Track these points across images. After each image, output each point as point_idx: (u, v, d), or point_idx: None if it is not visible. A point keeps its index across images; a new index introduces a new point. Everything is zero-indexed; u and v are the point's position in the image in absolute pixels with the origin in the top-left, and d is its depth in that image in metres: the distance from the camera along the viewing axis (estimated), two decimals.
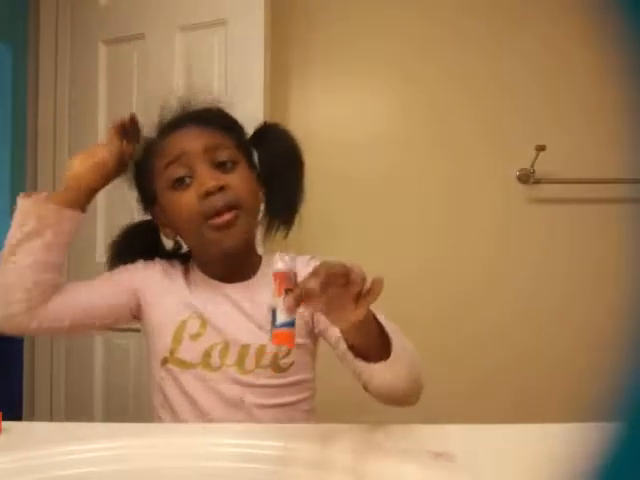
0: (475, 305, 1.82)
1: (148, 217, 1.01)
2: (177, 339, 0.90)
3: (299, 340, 0.89)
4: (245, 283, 0.94)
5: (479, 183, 1.83)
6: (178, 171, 0.89)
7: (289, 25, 1.86)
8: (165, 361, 0.90)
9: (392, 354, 0.69)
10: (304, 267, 0.85)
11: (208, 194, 0.87)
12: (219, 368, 0.88)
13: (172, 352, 0.90)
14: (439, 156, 1.84)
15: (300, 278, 0.64)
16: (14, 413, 1.84)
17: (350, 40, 1.86)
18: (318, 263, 0.63)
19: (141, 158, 0.97)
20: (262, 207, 0.97)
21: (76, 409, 1.89)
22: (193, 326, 0.90)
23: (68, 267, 1.94)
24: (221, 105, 0.98)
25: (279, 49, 1.79)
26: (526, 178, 1.77)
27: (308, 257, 0.93)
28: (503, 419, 0.73)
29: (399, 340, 0.71)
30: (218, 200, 0.87)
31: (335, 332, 0.80)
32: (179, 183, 0.89)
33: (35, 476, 0.60)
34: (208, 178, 0.88)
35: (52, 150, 1.96)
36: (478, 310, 1.81)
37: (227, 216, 0.87)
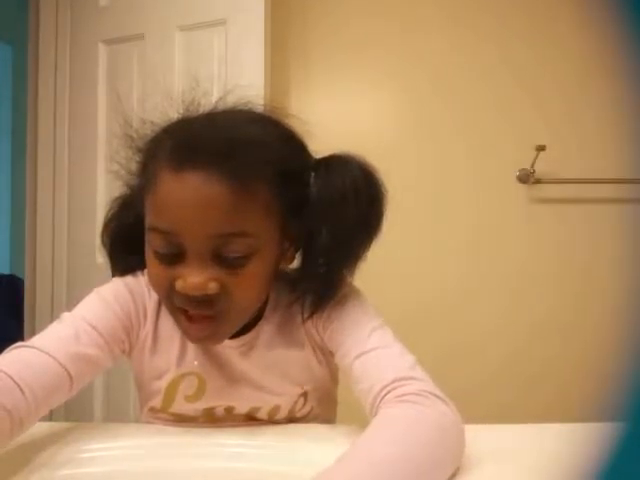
0: (474, 304, 1.82)
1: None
2: (169, 398, 0.76)
3: (316, 385, 0.79)
4: (243, 338, 0.73)
5: (479, 183, 1.83)
6: (162, 246, 0.64)
7: (288, 25, 1.86)
8: (155, 410, 0.78)
9: None
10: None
11: (187, 298, 0.64)
12: (225, 419, 0.77)
13: (163, 407, 0.77)
14: (438, 156, 1.84)
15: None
16: None
17: (350, 39, 1.86)
18: None
19: (146, 150, 0.68)
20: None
21: (76, 409, 1.89)
22: (189, 387, 0.75)
23: (68, 268, 1.96)
24: (259, 112, 0.72)
25: (279, 49, 1.79)
26: (526, 178, 1.77)
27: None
28: (501, 421, 0.73)
29: None
30: (196, 308, 0.65)
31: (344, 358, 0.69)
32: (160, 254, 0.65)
33: (36, 476, 0.60)
34: (196, 280, 0.62)
35: (52, 150, 1.96)
36: (477, 310, 1.81)
37: (204, 321, 0.66)
